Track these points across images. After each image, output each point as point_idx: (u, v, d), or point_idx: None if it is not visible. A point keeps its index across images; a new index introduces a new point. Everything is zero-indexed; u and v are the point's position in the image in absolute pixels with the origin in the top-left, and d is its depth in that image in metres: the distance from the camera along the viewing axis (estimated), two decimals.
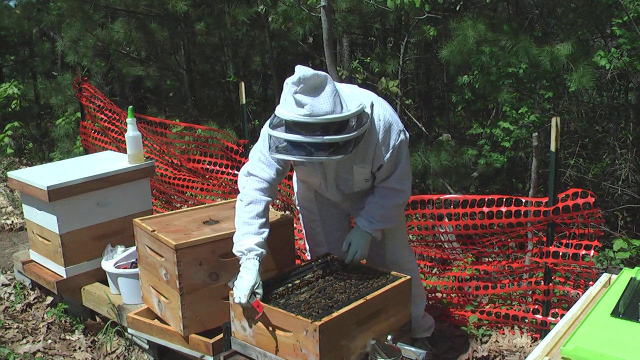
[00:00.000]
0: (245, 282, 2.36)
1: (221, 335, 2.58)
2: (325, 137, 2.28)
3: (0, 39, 11.86)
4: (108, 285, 3.33)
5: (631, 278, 2.17)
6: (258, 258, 2.45)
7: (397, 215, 2.79)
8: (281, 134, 2.33)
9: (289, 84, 2.31)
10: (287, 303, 2.32)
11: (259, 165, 2.61)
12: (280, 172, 2.62)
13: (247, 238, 2.49)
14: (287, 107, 2.31)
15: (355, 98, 2.45)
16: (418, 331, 3.00)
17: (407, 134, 2.67)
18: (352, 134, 2.33)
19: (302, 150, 2.32)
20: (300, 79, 2.27)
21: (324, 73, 2.34)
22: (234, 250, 2.52)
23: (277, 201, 4.30)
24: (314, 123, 2.27)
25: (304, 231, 3.05)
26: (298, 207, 3.04)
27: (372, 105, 2.53)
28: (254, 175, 2.61)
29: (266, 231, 2.54)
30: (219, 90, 9.69)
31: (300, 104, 2.28)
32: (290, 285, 2.46)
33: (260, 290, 2.38)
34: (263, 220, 2.54)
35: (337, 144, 2.33)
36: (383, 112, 2.56)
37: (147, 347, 3.02)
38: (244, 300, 2.33)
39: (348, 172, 2.63)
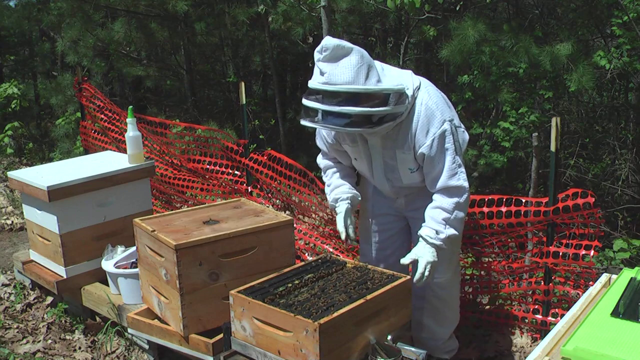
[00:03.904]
0: (338, 225, 2.72)
1: (221, 335, 2.58)
2: (338, 107, 2.30)
3: (0, 39, 11.88)
4: (108, 285, 3.33)
5: (631, 278, 2.17)
6: (347, 201, 2.74)
7: (462, 218, 2.56)
8: (304, 100, 2.39)
9: (315, 53, 2.36)
10: (287, 303, 2.32)
11: (318, 140, 2.85)
12: (332, 145, 2.78)
13: (332, 192, 2.79)
14: (313, 76, 2.39)
15: (398, 79, 2.44)
16: (439, 352, 2.90)
17: (462, 129, 2.58)
18: (369, 109, 2.31)
19: (319, 117, 2.35)
20: (323, 48, 2.32)
21: (352, 45, 2.34)
22: (329, 205, 2.84)
23: (277, 201, 4.29)
24: (331, 91, 2.30)
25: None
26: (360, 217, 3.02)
27: (418, 89, 2.49)
28: (322, 151, 2.88)
29: (348, 182, 2.79)
30: (219, 90, 9.69)
31: (321, 72, 2.33)
32: (290, 285, 2.46)
33: (350, 229, 2.71)
34: (341, 174, 2.82)
35: (353, 116, 2.31)
36: (427, 98, 2.49)
37: (147, 347, 3.02)
38: (342, 237, 2.71)
39: (392, 158, 2.58)
